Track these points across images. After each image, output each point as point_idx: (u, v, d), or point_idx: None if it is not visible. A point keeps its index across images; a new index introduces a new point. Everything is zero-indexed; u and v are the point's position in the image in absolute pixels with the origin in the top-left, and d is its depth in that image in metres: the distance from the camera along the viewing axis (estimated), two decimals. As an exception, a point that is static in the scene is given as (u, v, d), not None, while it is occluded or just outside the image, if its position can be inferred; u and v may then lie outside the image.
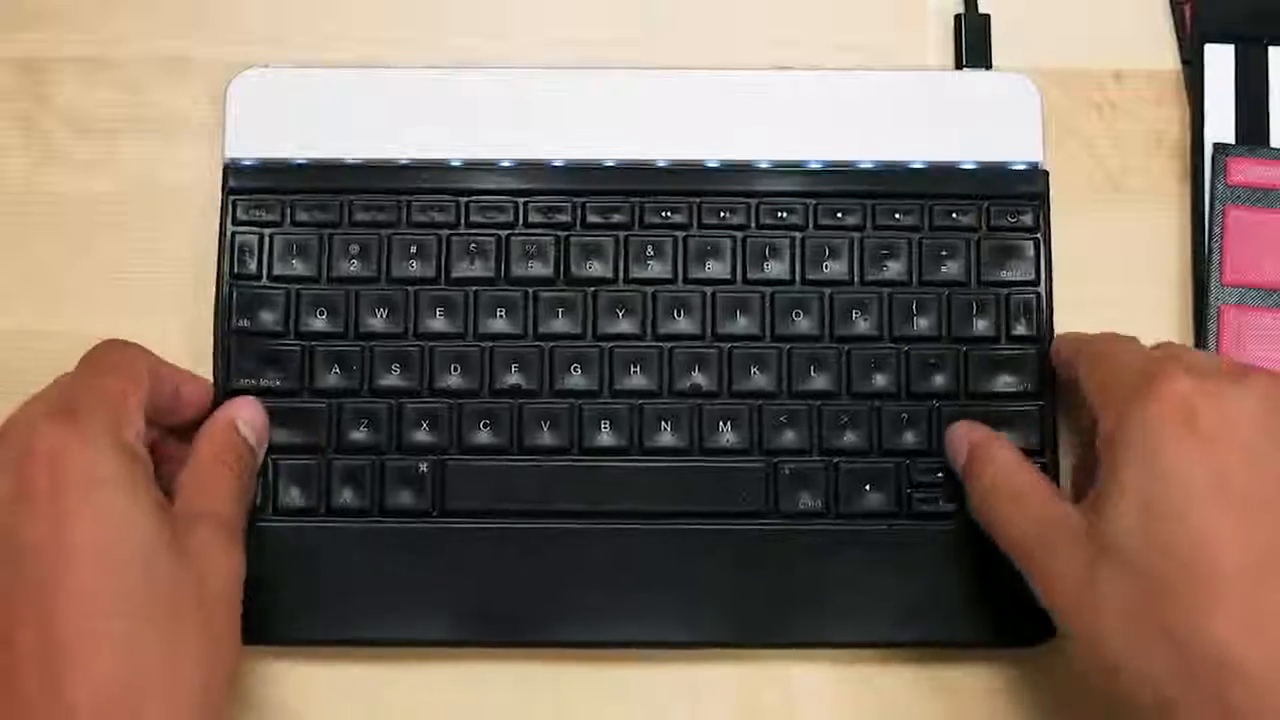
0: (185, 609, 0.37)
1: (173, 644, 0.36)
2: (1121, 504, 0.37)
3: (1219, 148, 0.48)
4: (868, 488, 0.46)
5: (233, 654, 0.39)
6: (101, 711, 0.35)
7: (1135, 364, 0.39)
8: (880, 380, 0.46)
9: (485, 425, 0.46)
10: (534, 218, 0.47)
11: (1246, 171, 0.48)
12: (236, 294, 0.46)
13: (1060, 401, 0.46)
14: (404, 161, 0.47)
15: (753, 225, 0.47)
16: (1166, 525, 0.36)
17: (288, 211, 0.47)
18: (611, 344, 0.46)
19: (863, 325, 0.47)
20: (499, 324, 0.46)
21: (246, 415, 0.44)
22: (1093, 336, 0.44)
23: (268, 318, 0.46)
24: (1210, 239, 0.48)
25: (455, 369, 0.46)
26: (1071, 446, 0.47)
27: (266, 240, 0.47)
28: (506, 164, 0.47)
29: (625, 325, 0.47)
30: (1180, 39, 0.50)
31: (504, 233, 0.47)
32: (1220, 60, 0.49)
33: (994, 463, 0.42)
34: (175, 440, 0.44)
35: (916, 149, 0.48)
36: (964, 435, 0.44)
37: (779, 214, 0.47)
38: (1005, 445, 0.43)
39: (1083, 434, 0.46)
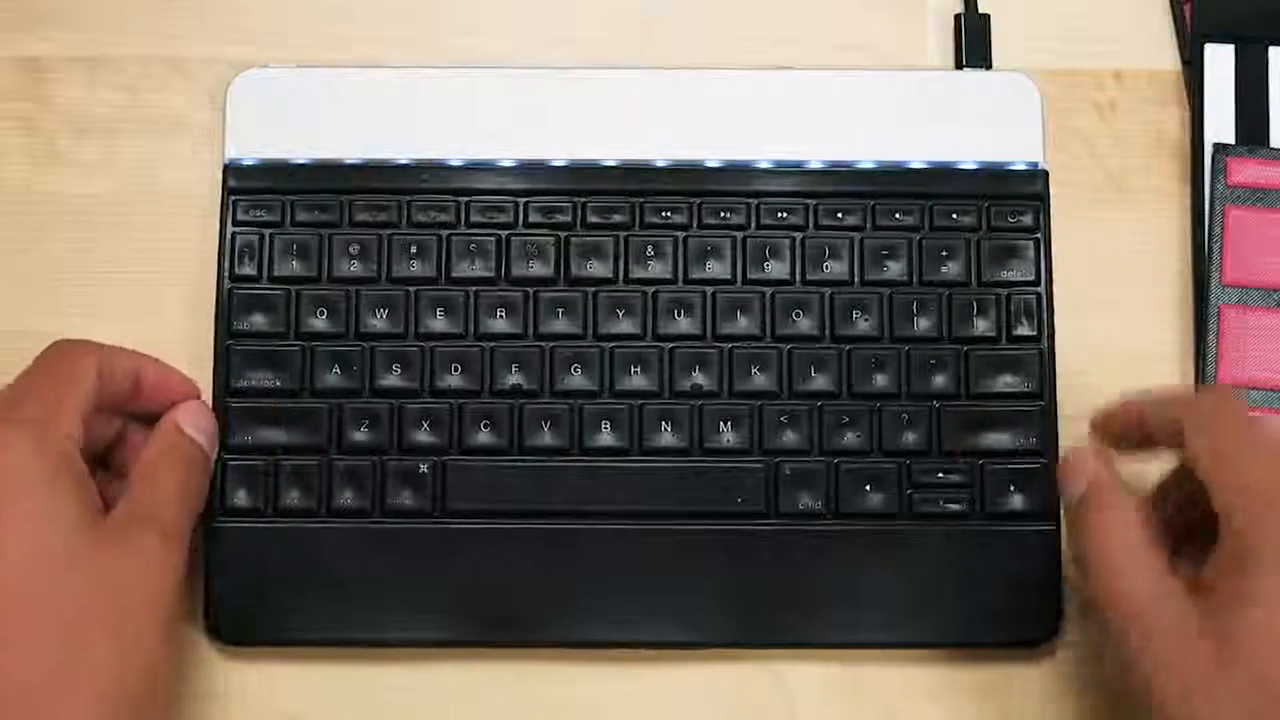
0: (96, 614, 0.37)
1: (81, 647, 0.37)
2: (1264, 619, 0.36)
3: (1219, 148, 0.48)
4: (868, 488, 0.46)
5: (152, 658, 0.38)
6: (6, 708, 0.35)
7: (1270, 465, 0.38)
8: (880, 380, 0.46)
9: (485, 425, 0.46)
10: (534, 218, 0.47)
11: (1246, 171, 0.48)
12: (236, 294, 0.46)
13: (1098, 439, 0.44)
14: (404, 161, 0.47)
15: (753, 225, 0.47)
16: None
17: (288, 211, 0.47)
18: (612, 344, 0.46)
19: (863, 325, 0.47)
20: (499, 324, 0.46)
21: (190, 418, 0.43)
22: (1194, 399, 0.42)
23: (268, 318, 0.46)
24: (1210, 239, 0.48)
25: (456, 369, 0.46)
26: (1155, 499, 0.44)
27: (266, 240, 0.47)
28: (506, 164, 0.47)
29: (625, 325, 0.47)
30: (1180, 39, 0.50)
31: (504, 233, 0.47)
32: (1220, 60, 0.49)
33: (1120, 521, 0.40)
34: (144, 428, 0.44)
35: (916, 149, 0.48)
36: (1082, 467, 0.41)
37: (779, 214, 0.47)
38: (1127, 498, 0.41)
39: (1177, 496, 0.43)
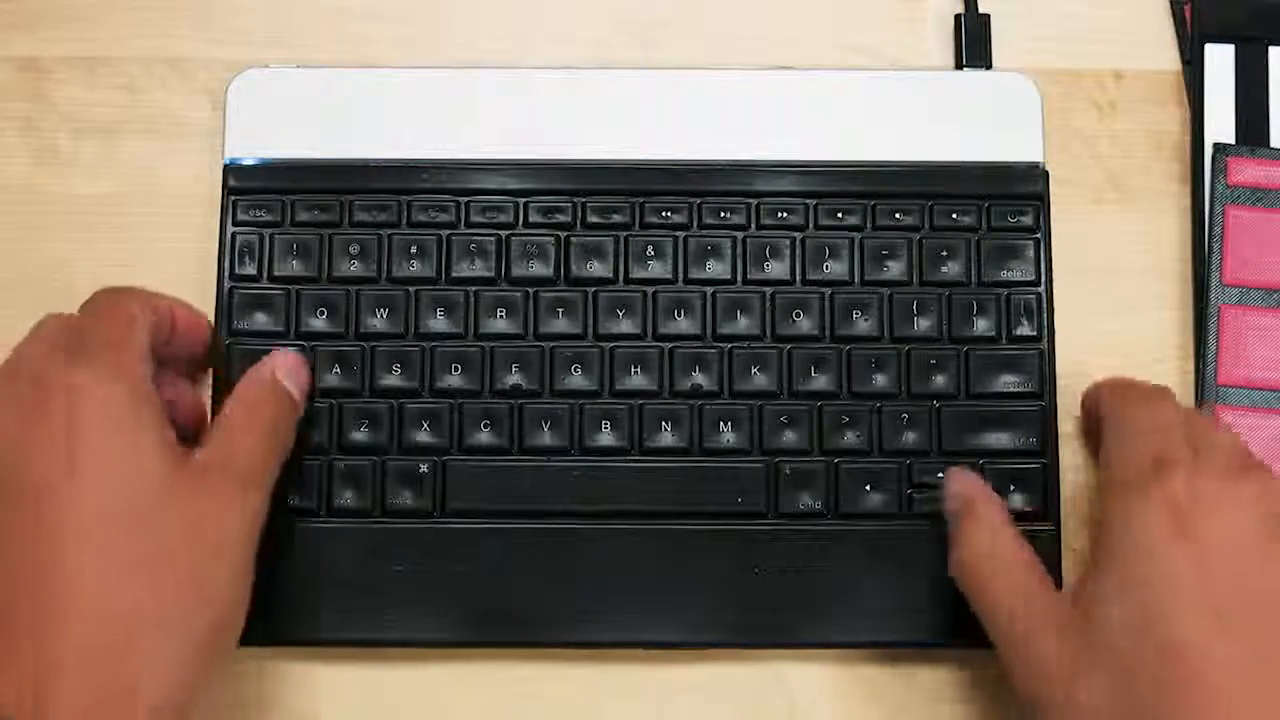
0: (182, 550, 0.37)
1: (173, 587, 0.37)
2: (1110, 604, 0.37)
3: (1219, 148, 0.48)
4: (868, 488, 0.46)
5: (228, 604, 0.39)
6: (97, 643, 0.35)
7: (1143, 452, 0.39)
8: (881, 381, 0.46)
9: (485, 425, 0.46)
10: (534, 218, 0.47)
11: (1246, 171, 0.48)
12: (237, 294, 0.46)
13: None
14: (404, 161, 0.47)
15: (753, 225, 0.47)
16: (1151, 632, 0.36)
17: (288, 211, 0.47)
18: (612, 344, 0.46)
19: (863, 325, 0.47)
20: (499, 324, 0.46)
21: (286, 369, 0.44)
22: (1120, 393, 0.43)
23: (268, 318, 0.46)
24: (1210, 239, 0.48)
25: (456, 369, 0.46)
26: (1075, 509, 0.46)
27: (266, 240, 0.47)
28: (506, 164, 0.47)
29: (626, 325, 0.47)
30: (1180, 39, 0.50)
31: (504, 233, 0.47)
32: (1220, 60, 0.49)
33: (989, 529, 0.42)
34: (170, 372, 0.44)
35: (916, 149, 0.48)
36: (962, 484, 0.44)
37: (779, 214, 0.47)
38: (1000, 509, 0.43)
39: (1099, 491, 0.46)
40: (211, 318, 0.46)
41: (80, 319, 0.41)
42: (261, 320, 0.46)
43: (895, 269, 0.47)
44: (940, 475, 0.45)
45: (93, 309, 0.41)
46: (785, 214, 0.47)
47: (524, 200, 0.47)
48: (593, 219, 0.47)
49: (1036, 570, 0.40)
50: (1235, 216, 0.48)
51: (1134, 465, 0.39)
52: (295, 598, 0.45)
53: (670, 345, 0.46)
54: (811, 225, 0.47)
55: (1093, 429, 0.45)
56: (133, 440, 0.38)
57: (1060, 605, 0.39)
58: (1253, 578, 0.36)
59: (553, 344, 0.46)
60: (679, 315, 0.47)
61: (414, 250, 0.47)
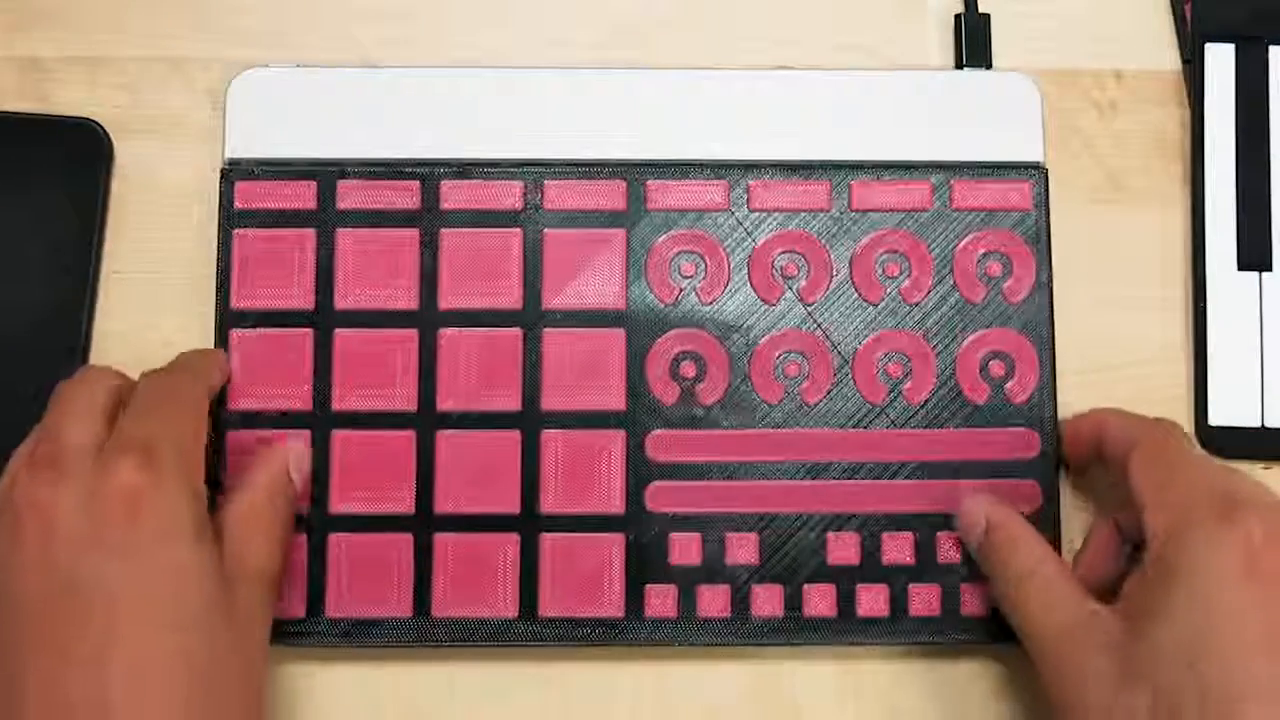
0: (231, 670, 0.37)
1: (215, 708, 0.36)
2: (1169, 634, 0.37)
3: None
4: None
5: (262, 707, 0.39)
6: None
7: (1213, 486, 0.39)
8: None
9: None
10: (534, 218, 0.47)
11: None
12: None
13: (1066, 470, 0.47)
14: (404, 161, 0.47)
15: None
16: (1209, 671, 0.36)
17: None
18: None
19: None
20: (499, 324, 0.47)
21: (298, 462, 0.43)
22: (1146, 426, 0.43)
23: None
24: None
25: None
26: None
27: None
28: (506, 164, 0.47)
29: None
30: (1180, 39, 0.50)
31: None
32: (1220, 60, 0.49)
33: (1028, 547, 0.42)
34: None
35: (916, 149, 0.48)
36: (981, 510, 0.44)
37: (779, 214, 0.47)
38: (1028, 527, 0.43)
39: (1105, 510, 0.46)
40: (211, 318, 0.46)
41: (147, 408, 0.39)
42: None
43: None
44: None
45: (163, 391, 0.39)
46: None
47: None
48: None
49: (1075, 584, 0.41)
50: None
51: (1201, 501, 0.38)
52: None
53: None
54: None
55: (1084, 452, 0.44)
56: (192, 560, 0.36)
57: (1105, 622, 0.39)
58: None
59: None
60: (679, 315, 0.47)
61: (414, 250, 0.47)
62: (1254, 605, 0.36)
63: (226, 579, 0.38)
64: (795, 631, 0.45)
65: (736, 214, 0.47)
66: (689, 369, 0.46)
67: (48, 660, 0.34)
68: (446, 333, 0.46)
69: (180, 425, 0.39)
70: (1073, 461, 0.46)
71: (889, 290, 0.46)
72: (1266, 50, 0.49)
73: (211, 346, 0.46)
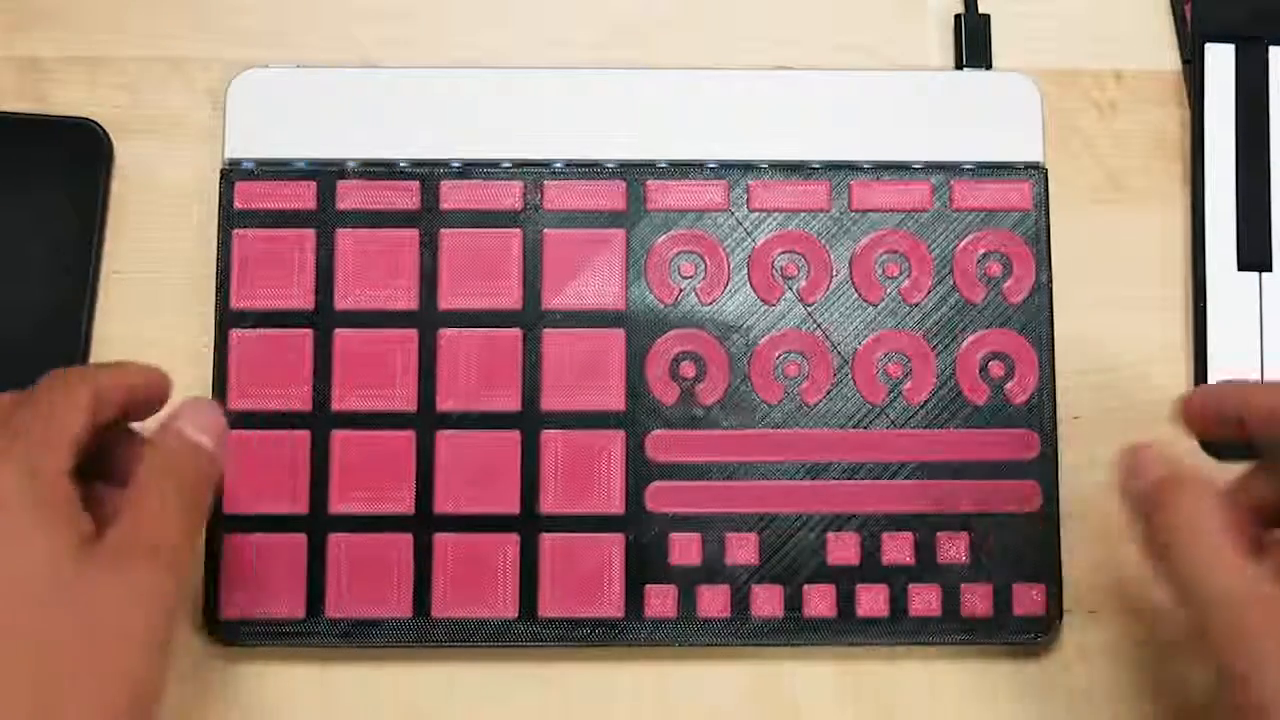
0: (76, 649, 0.35)
1: (58, 688, 0.35)
2: None
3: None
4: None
5: (141, 687, 0.36)
6: None
7: None
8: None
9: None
10: (534, 218, 0.47)
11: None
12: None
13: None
14: (404, 161, 0.47)
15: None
16: None
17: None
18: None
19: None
20: (499, 324, 0.47)
21: (193, 417, 0.40)
22: None
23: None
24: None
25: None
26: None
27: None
28: (506, 164, 0.47)
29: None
30: (1180, 39, 0.50)
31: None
32: (1220, 60, 0.49)
33: (1202, 500, 0.38)
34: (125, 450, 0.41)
35: (916, 149, 0.48)
36: (1156, 461, 0.39)
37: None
38: (1212, 483, 0.39)
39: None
40: (211, 318, 0.46)
41: (11, 411, 0.38)
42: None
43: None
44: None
45: (31, 397, 0.39)
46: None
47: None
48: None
49: (1250, 551, 0.37)
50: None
51: None
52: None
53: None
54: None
55: (1215, 428, 0.41)
56: (27, 537, 0.36)
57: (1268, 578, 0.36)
58: None
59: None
60: (679, 315, 0.47)
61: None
62: None
63: (102, 552, 0.37)
64: (795, 632, 0.45)
65: (736, 214, 0.47)
66: (689, 369, 0.46)
67: None
68: (446, 333, 0.46)
69: (40, 421, 0.38)
70: (1200, 437, 0.43)
71: (889, 290, 0.47)
72: (1266, 50, 0.49)
73: (211, 347, 0.46)
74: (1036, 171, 0.47)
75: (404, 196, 0.47)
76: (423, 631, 0.45)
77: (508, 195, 0.47)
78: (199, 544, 0.40)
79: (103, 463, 0.39)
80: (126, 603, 0.37)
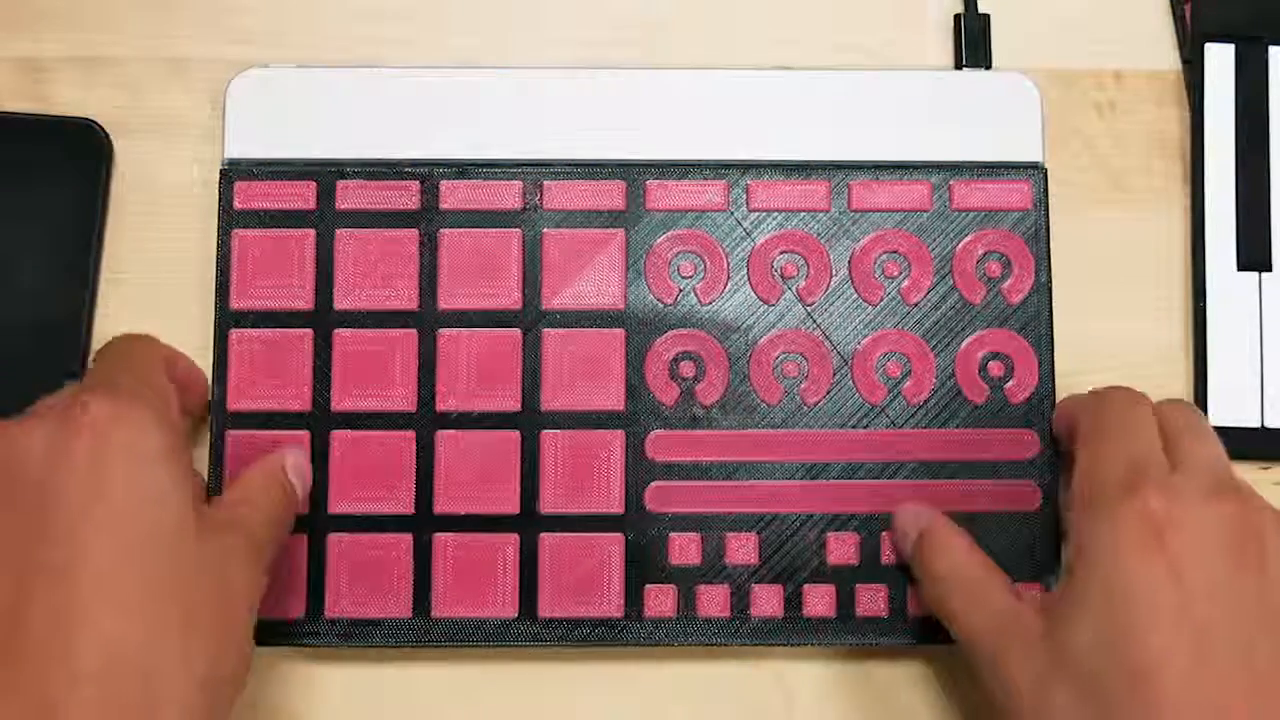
0: (205, 596, 0.37)
1: (188, 626, 0.36)
2: (1081, 620, 0.36)
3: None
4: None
5: (243, 657, 0.38)
6: (109, 677, 0.34)
7: (1116, 472, 0.38)
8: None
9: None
10: (534, 218, 0.47)
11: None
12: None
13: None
14: (404, 161, 0.47)
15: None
16: (1122, 649, 0.35)
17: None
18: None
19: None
20: (499, 324, 0.47)
21: (294, 463, 0.43)
22: (1094, 402, 0.42)
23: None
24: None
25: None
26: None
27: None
28: (506, 164, 0.47)
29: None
30: (1180, 39, 0.50)
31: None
32: (1220, 60, 0.49)
33: (949, 551, 0.42)
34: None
35: (916, 149, 0.48)
36: (913, 520, 0.44)
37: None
38: (958, 532, 0.43)
39: (1068, 507, 0.45)
40: (211, 318, 0.46)
41: (103, 364, 0.41)
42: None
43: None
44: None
45: (117, 352, 0.41)
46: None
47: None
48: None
49: (1001, 583, 0.41)
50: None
51: (1108, 479, 0.38)
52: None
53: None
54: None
55: (1065, 441, 0.44)
56: (167, 484, 0.37)
57: (1027, 618, 0.38)
58: (1224, 600, 0.36)
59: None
60: (679, 315, 0.47)
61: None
62: (1161, 587, 0.35)
63: (211, 520, 0.38)
64: (795, 631, 0.45)
65: (736, 214, 0.47)
66: (688, 369, 0.46)
67: (15, 575, 0.35)
68: (446, 333, 0.46)
69: (145, 365, 0.41)
70: (1066, 454, 0.45)
71: (888, 290, 0.47)
72: (1266, 50, 0.49)
73: (211, 347, 0.46)
74: (1036, 171, 0.47)
75: (404, 196, 0.47)
76: (422, 631, 0.45)
77: (507, 195, 0.47)
78: (269, 560, 0.41)
79: None
80: (234, 568, 0.39)
